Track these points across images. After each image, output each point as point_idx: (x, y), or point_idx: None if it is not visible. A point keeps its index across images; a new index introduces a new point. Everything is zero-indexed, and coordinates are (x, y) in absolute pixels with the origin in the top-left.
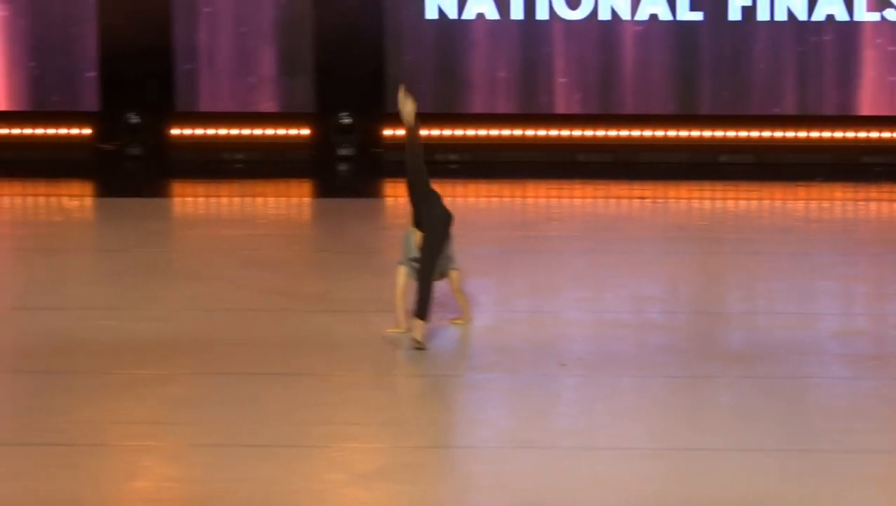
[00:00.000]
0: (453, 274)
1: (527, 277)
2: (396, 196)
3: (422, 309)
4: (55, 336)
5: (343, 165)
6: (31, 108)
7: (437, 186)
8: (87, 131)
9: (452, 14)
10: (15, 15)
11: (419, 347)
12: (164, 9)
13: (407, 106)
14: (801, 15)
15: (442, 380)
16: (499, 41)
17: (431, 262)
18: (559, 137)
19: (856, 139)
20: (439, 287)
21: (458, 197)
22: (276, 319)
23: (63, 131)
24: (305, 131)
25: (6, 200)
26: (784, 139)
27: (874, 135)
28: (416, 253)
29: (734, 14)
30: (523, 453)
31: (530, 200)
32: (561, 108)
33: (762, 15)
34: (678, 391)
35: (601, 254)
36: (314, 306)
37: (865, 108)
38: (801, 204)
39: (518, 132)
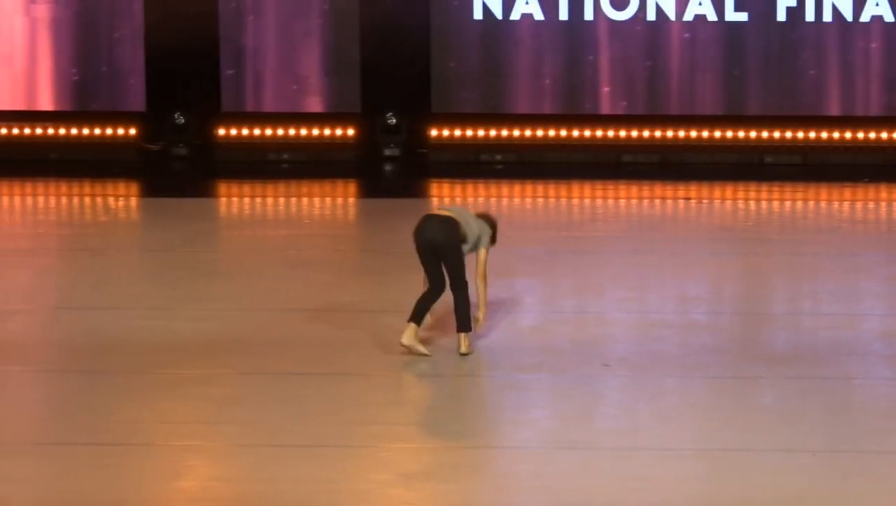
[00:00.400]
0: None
1: (571, 278)
2: (442, 196)
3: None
4: (101, 336)
5: (389, 166)
6: (77, 108)
7: (482, 187)
8: (133, 132)
9: (499, 14)
10: (62, 15)
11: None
12: (211, 8)
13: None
14: (848, 16)
15: (486, 380)
16: (545, 42)
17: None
18: (605, 138)
19: None
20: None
21: (504, 197)
22: (320, 319)
23: (109, 132)
24: (351, 132)
25: (53, 200)
26: (830, 140)
27: None
28: None
29: (781, 15)
30: (566, 453)
31: (575, 201)
32: (607, 108)
33: (809, 16)
34: (722, 392)
35: (646, 254)
36: (359, 306)
37: None
38: (846, 205)
39: (563, 133)
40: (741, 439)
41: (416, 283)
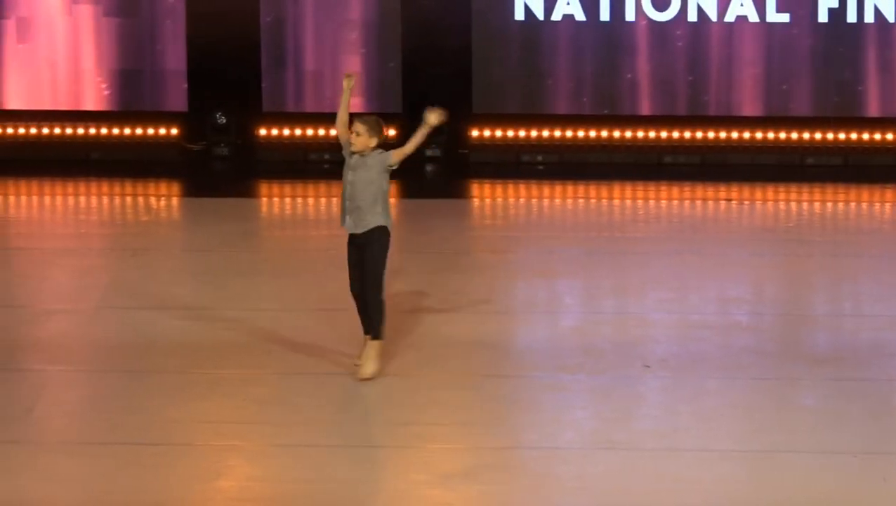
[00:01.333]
0: None
1: (612, 278)
2: (483, 197)
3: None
4: (142, 335)
5: (429, 166)
6: (119, 108)
7: (523, 188)
8: (175, 131)
9: (540, 15)
10: (104, 15)
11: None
12: (252, 8)
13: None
14: (890, 17)
15: (526, 380)
16: (586, 42)
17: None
18: (646, 139)
19: None
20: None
21: (545, 198)
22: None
23: (151, 131)
24: (392, 132)
25: (94, 200)
26: (872, 141)
27: None
28: None
29: (822, 16)
30: (607, 454)
31: (616, 202)
32: (648, 109)
33: (851, 17)
34: (762, 393)
35: (687, 255)
36: (399, 306)
37: None
38: (888, 206)
39: (605, 133)
40: (782, 441)
41: (458, 282)
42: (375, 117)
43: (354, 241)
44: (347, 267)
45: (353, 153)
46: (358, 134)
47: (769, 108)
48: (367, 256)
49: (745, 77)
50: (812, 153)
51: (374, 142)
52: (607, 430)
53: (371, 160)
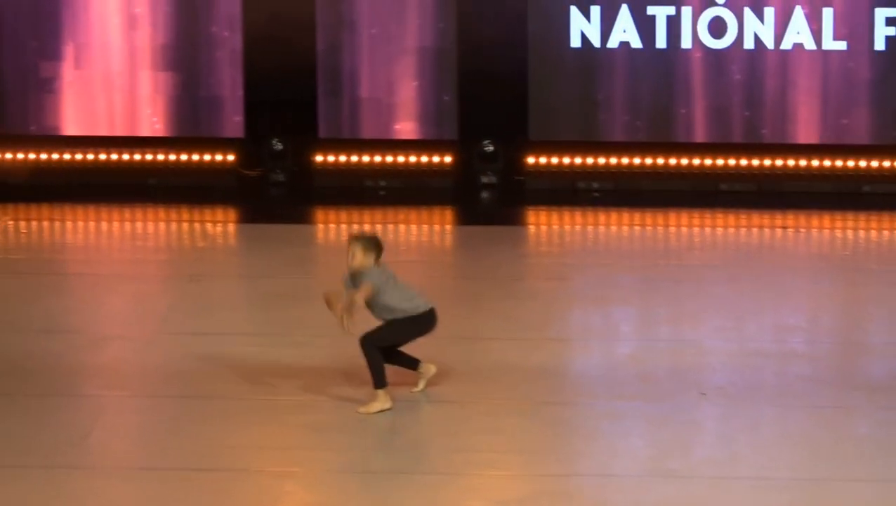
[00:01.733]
0: None
1: (668, 306)
2: (539, 224)
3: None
4: (199, 361)
5: (485, 193)
6: (176, 134)
7: (579, 215)
8: (231, 158)
9: (596, 43)
10: (161, 42)
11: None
12: (309, 35)
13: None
14: None
15: (582, 408)
16: (642, 69)
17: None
18: (701, 166)
19: None
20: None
21: (601, 225)
22: (416, 345)
23: (207, 157)
24: (448, 159)
25: (151, 226)
26: None
27: None
28: None
29: (879, 44)
30: (663, 482)
31: (672, 229)
32: (703, 137)
33: None
34: (819, 422)
35: (743, 283)
36: (455, 333)
37: None
38: None
39: (660, 161)
40: (838, 469)
41: (514, 309)
42: (371, 236)
43: None
44: None
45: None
46: (353, 255)
47: (825, 136)
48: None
49: (801, 104)
50: (868, 181)
51: (371, 259)
52: (663, 458)
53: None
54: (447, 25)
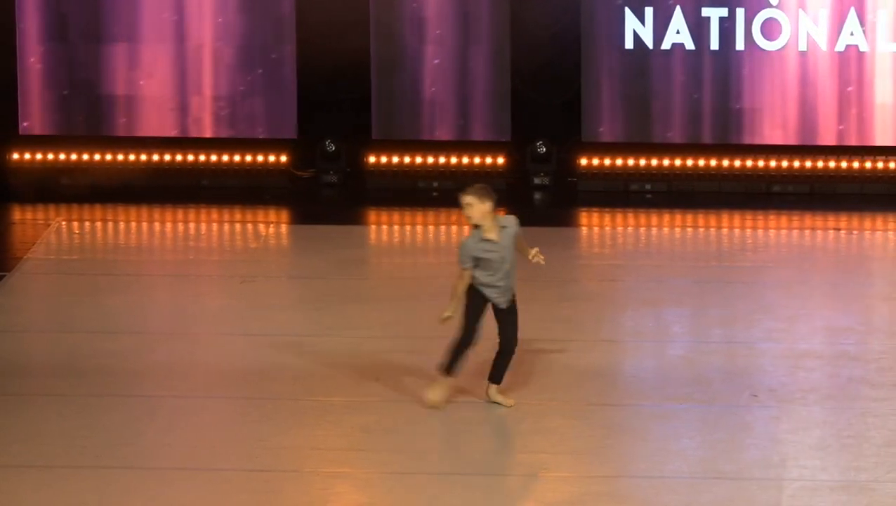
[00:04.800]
0: None
1: (720, 308)
2: (591, 225)
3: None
4: (251, 362)
5: (538, 194)
6: (229, 135)
7: (631, 217)
8: (284, 159)
9: (650, 44)
10: (214, 41)
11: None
12: (363, 36)
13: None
14: None
15: (634, 409)
16: (695, 71)
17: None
18: (755, 168)
19: None
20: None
21: (653, 227)
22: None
23: (260, 158)
24: (501, 160)
25: (204, 227)
26: None
27: None
28: None
29: None
30: (714, 484)
31: (725, 231)
32: (756, 138)
33: None
34: (871, 424)
35: (795, 284)
36: None
37: None
38: None
39: (713, 162)
40: (891, 472)
41: (566, 311)
42: (479, 184)
43: (502, 311)
44: (475, 317)
45: (485, 239)
46: (470, 205)
47: (880, 138)
48: (512, 319)
49: (853, 107)
50: None
51: (488, 206)
52: (715, 459)
53: (505, 240)
54: (501, 26)
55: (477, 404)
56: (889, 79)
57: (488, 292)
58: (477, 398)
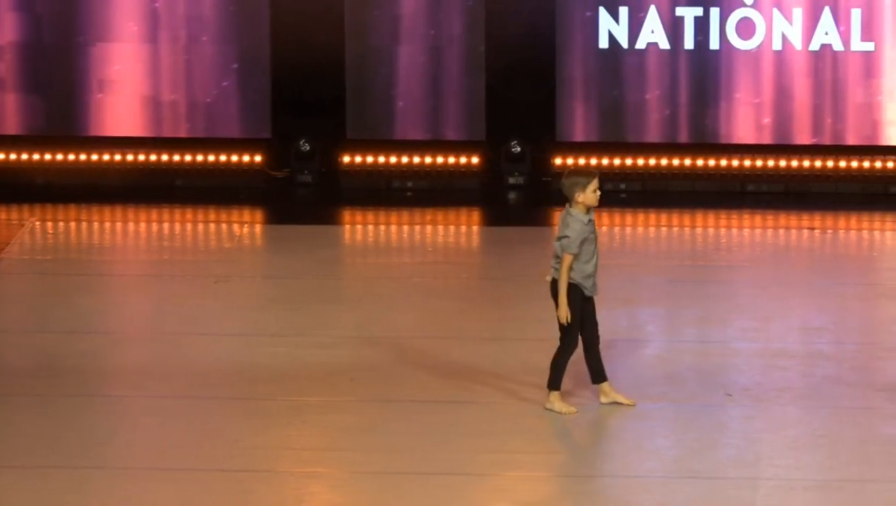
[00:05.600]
0: None
1: (694, 307)
2: None
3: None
4: (224, 362)
5: (513, 194)
6: (202, 135)
7: (606, 216)
8: (258, 158)
9: (624, 44)
10: (187, 41)
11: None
12: (337, 35)
13: None
14: None
15: (608, 409)
16: (670, 71)
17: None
18: (729, 167)
19: None
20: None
21: (627, 226)
22: (444, 346)
23: (234, 158)
24: (475, 160)
25: (178, 227)
26: None
27: None
28: None
29: None
30: (689, 483)
31: (699, 230)
32: (730, 138)
33: None
34: (845, 423)
35: (769, 284)
36: (482, 334)
37: None
38: None
39: (687, 162)
40: (864, 471)
41: (539, 311)
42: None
43: (588, 301)
44: (576, 320)
45: (592, 220)
46: (597, 190)
47: (854, 137)
48: (594, 308)
49: (829, 106)
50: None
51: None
52: (689, 458)
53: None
54: (475, 26)
55: (450, 404)
56: (863, 78)
57: (586, 283)
58: (449, 399)
